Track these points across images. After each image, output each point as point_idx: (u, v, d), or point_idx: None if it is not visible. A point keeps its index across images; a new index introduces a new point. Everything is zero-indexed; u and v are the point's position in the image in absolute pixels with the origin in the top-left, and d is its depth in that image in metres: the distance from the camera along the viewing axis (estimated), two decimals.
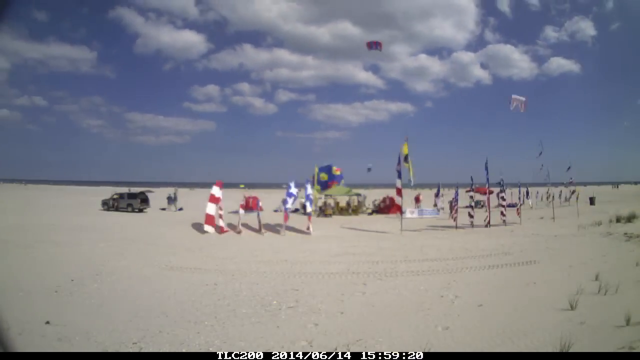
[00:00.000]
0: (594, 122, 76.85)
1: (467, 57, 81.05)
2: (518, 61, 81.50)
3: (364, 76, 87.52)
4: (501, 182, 19.93)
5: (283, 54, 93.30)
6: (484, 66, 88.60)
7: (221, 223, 15.94)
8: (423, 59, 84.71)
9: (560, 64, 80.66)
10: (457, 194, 19.40)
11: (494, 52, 77.43)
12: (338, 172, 26.70)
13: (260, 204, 25.35)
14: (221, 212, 16.30)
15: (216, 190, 16.38)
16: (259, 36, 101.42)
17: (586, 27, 70.09)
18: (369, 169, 28.72)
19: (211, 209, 15.92)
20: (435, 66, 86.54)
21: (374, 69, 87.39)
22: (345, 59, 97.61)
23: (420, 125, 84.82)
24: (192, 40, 72.06)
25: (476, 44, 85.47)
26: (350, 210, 25.00)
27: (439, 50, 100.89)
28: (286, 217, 16.21)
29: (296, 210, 20.34)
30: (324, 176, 25.67)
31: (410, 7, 73.11)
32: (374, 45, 23.46)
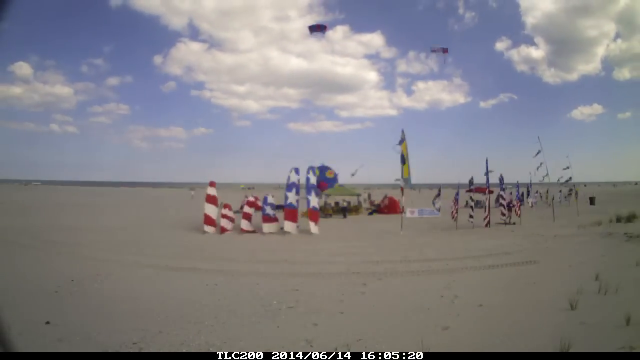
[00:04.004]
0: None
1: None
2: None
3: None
4: (500, 181, 19.90)
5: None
6: None
7: (222, 223, 15.95)
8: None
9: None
10: (457, 194, 19.39)
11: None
12: (331, 176, 25.85)
13: (260, 203, 25.47)
14: (223, 212, 16.32)
15: (212, 191, 16.42)
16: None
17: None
18: (353, 174, 27.69)
19: (209, 209, 15.98)
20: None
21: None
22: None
23: (419, 126, 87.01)
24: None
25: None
26: (345, 212, 25.00)
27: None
28: (289, 215, 15.98)
29: (279, 207, 16.96)
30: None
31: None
32: (316, 28, 22.11)
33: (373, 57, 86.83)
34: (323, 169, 25.10)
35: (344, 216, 23.60)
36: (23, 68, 70.57)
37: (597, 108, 77.57)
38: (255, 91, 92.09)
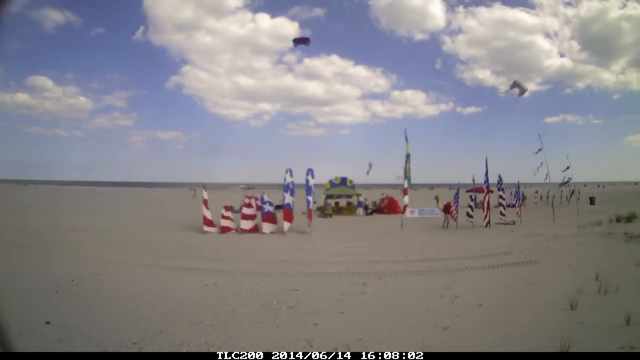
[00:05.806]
0: None
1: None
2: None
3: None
4: (500, 181, 19.90)
5: None
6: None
7: (222, 223, 15.97)
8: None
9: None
10: (457, 194, 19.39)
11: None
12: (351, 184, 26.88)
13: (259, 203, 25.49)
14: (223, 212, 16.36)
15: (205, 194, 16.76)
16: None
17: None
18: (368, 170, 28.76)
19: (205, 210, 16.16)
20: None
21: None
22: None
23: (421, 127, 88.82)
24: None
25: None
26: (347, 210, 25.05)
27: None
28: (286, 215, 16.27)
29: (278, 207, 18.03)
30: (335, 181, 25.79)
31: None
32: (300, 41, 22.64)
33: (345, 75, 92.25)
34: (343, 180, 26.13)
35: (325, 216, 23.55)
36: (39, 80, 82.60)
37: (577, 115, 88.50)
38: (233, 104, 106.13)
